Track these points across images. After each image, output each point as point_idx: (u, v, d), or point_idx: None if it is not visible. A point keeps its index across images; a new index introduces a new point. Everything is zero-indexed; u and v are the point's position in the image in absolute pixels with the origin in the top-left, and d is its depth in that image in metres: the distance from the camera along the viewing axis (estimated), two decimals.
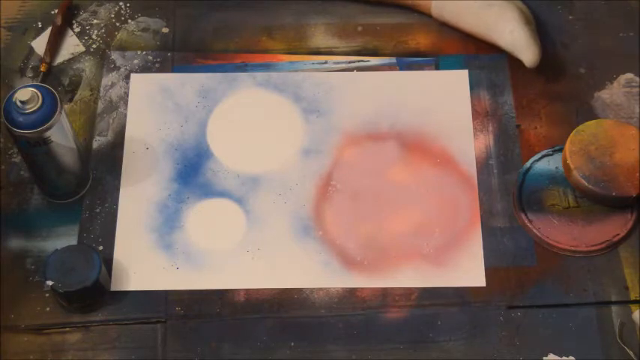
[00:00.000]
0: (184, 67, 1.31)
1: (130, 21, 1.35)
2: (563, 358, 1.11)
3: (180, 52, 1.32)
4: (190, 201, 1.21)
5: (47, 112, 1.10)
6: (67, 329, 1.13)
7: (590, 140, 1.17)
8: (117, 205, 1.21)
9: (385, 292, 1.15)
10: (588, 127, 1.18)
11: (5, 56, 1.32)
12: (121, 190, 1.22)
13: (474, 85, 1.29)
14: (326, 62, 1.31)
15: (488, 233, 1.18)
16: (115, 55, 1.32)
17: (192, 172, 1.23)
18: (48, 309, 1.14)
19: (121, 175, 1.23)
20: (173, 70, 1.31)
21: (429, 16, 1.33)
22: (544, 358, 1.11)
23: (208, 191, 1.22)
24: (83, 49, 1.33)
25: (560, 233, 1.18)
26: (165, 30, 1.34)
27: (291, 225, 1.20)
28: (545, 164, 1.22)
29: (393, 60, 1.32)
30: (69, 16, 1.35)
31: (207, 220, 1.20)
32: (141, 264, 1.17)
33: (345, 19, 1.35)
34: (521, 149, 1.24)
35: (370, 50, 1.32)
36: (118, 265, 1.16)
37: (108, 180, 1.23)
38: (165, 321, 1.14)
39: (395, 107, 1.27)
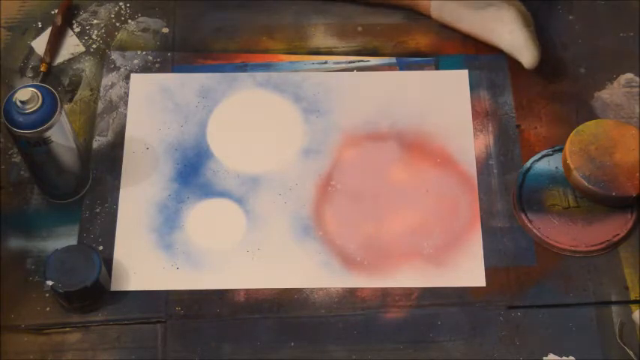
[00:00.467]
0: (184, 67, 1.31)
1: (130, 21, 1.35)
2: (563, 358, 1.11)
3: (180, 52, 1.32)
4: (190, 201, 1.21)
5: (47, 112, 1.10)
6: (67, 329, 1.13)
7: (590, 140, 1.17)
8: (117, 205, 1.21)
9: (385, 292, 1.15)
10: (588, 127, 1.18)
11: (5, 56, 1.32)
12: (121, 190, 1.22)
13: (474, 85, 1.29)
14: (326, 62, 1.31)
15: (488, 233, 1.18)
16: (115, 55, 1.32)
17: (192, 172, 1.23)
18: (48, 309, 1.14)
19: (121, 175, 1.23)
20: (173, 70, 1.31)
21: (429, 16, 1.33)
22: (544, 358, 1.11)
23: (208, 191, 1.22)
24: (83, 49, 1.33)
25: (560, 233, 1.18)
26: (165, 30, 1.34)
27: (291, 225, 1.20)
28: (545, 164, 1.22)
29: (393, 60, 1.32)
30: (69, 16, 1.35)
31: (207, 220, 1.20)
32: (141, 264, 1.17)
33: (345, 19, 1.35)
34: (521, 149, 1.24)
35: (370, 50, 1.32)
36: (118, 265, 1.16)
37: (108, 180, 1.23)
38: (166, 321, 1.14)
39: (395, 107, 1.27)
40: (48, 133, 1.10)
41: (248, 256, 1.18)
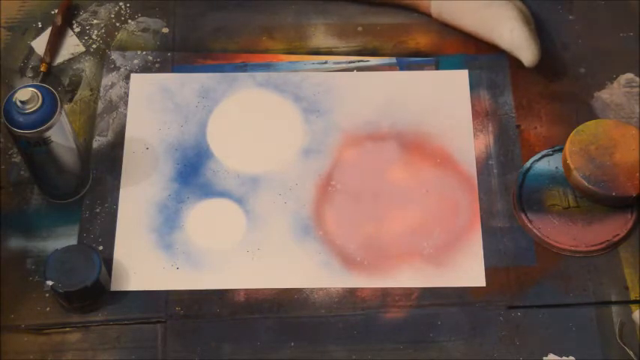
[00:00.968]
0: (184, 67, 1.31)
1: (130, 21, 1.35)
2: (563, 358, 1.11)
3: (180, 52, 1.32)
4: (190, 201, 1.21)
5: (47, 112, 1.10)
6: (67, 329, 1.13)
7: (590, 140, 1.17)
8: (117, 205, 1.21)
9: (385, 292, 1.15)
10: (588, 127, 1.18)
11: (5, 56, 1.32)
12: (121, 190, 1.22)
13: (474, 85, 1.29)
14: (326, 62, 1.31)
15: (488, 233, 1.18)
16: (115, 55, 1.32)
17: (192, 172, 1.23)
18: (48, 309, 1.14)
19: (121, 175, 1.23)
20: (173, 70, 1.31)
21: (429, 16, 1.33)
22: (544, 358, 1.11)
23: (208, 191, 1.22)
24: (83, 49, 1.33)
25: (560, 233, 1.18)
26: (165, 30, 1.34)
27: (291, 225, 1.20)
28: (545, 164, 1.22)
29: (393, 60, 1.32)
30: (69, 16, 1.35)
31: (207, 220, 1.20)
32: (141, 264, 1.17)
33: (345, 19, 1.35)
34: (521, 149, 1.24)
35: (370, 50, 1.32)
36: (118, 265, 1.16)
37: (108, 180, 1.23)
38: (166, 321, 1.14)
39: (395, 107, 1.27)
40: (48, 133, 1.10)
41: (248, 256, 1.18)
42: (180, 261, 1.17)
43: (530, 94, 1.28)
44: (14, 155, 1.24)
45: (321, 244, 1.18)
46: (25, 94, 1.09)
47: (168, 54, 1.32)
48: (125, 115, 1.27)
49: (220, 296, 1.15)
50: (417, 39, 1.33)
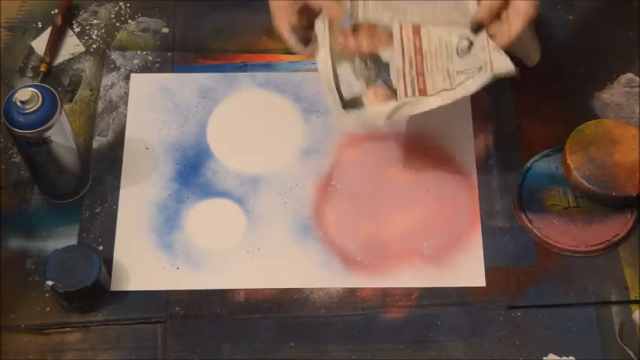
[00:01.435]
0: (184, 67, 1.31)
1: (130, 21, 1.35)
2: (563, 358, 1.11)
3: (180, 52, 1.32)
4: (190, 201, 1.21)
5: (47, 112, 1.10)
6: (67, 329, 1.13)
7: (590, 140, 1.17)
8: (117, 205, 1.21)
9: (385, 292, 1.15)
10: (588, 127, 1.18)
11: (5, 56, 1.32)
12: (121, 190, 1.22)
13: None
14: None
15: (488, 233, 1.18)
16: (115, 55, 1.32)
17: (192, 172, 1.23)
18: (48, 309, 1.14)
19: (121, 175, 1.23)
20: (173, 70, 1.31)
21: None
22: (544, 358, 1.11)
23: (208, 191, 1.22)
24: (83, 49, 1.33)
25: (560, 233, 1.18)
26: (165, 30, 1.34)
27: (291, 225, 1.20)
28: (545, 164, 1.22)
29: None
30: (69, 16, 1.35)
31: (207, 220, 1.20)
32: (141, 264, 1.17)
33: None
34: (521, 149, 1.24)
35: None
36: (118, 265, 1.16)
37: (108, 180, 1.23)
38: (166, 321, 1.14)
39: None
40: (48, 133, 1.10)
41: (248, 256, 1.18)
42: (180, 261, 1.17)
43: (530, 94, 1.28)
44: (14, 155, 1.24)
45: (321, 244, 1.18)
46: (25, 94, 1.09)
47: (168, 54, 1.32)
48: (125, 115, 1.27)
49: (220, 296, 1.15)
50: None
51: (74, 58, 1.32)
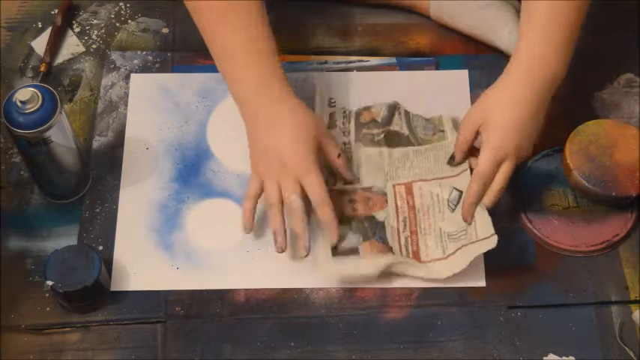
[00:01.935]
0: (184, 67, 1.31)
1: (130, 21, 1.35)
2: (563, 358, 1.11)
3: (180, 52, 1.32)
4: (190, 201, 1.21)
5: (47, 112, 1.10)
6: (67, 329, 1.13)
7: (590, 140, 1.17)
8: (117, 205, 1.21)
9: (385, 292, 1.15)
10: (588, 127, 1.18)
11: (5, 56, 1.32)
12: (121, 190, 1.22)
13: (473, 85, 1.29)
14: (326, 62, 1.31)
15: None
16: (115, 55, 1.32)
17: (192, 172, 1.23)
18: (48, 309, 1.14)
19: (121, 175, 1.23)
20: (173, 70, 1.31)
21: (428, 17, 1.33)
22: (544, 358, 1.11)
23: (208, 191, 1.22)
24: (83, 49, 1.33)
25: (560, 233, 1.18)
26: (165, 30, 1.34)
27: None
28: (545, 164, 1.22)
29: (393, 60, 1.32)
30: (69, 16, 1.35)
31: (207, 220, 1.20)
32: (141, 264, 1.17)
33: (345, 19, 1.35)
34: None
35: (370, 50, 1.32)
36: (118, 265, 1.16)
37: (108, 180, 1.23)
38: (165, 321, 1.14)
39: None
40: (48, 133, 1.10)
41: (248, 256, 1.18)
42: (180, 261, 1.17)
43: None
44: (14, 155, 1.24)
45: None
46: (25, 94, 1.09)
47: (168, 54, 1.32)
48: (125, 115, 1.27)
49: (220, 296, 1.15)
50: (416, 39, 1.33)
51: (74, 58, 1.32)
